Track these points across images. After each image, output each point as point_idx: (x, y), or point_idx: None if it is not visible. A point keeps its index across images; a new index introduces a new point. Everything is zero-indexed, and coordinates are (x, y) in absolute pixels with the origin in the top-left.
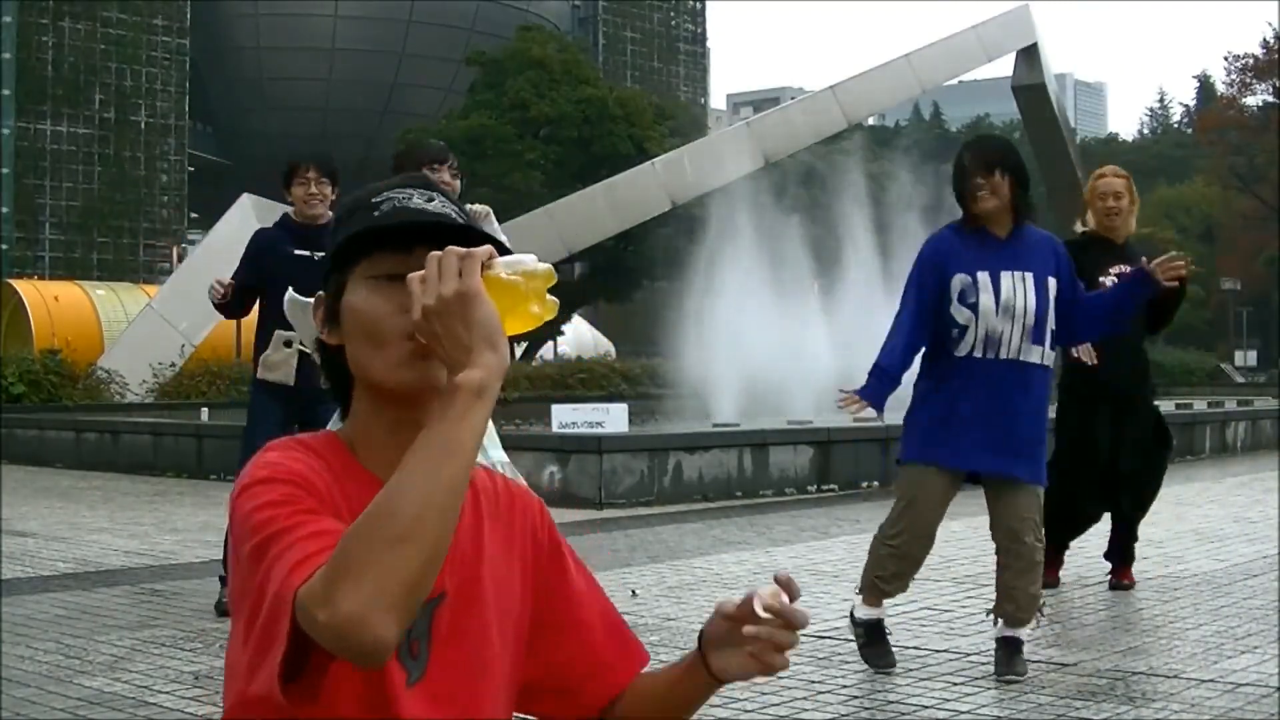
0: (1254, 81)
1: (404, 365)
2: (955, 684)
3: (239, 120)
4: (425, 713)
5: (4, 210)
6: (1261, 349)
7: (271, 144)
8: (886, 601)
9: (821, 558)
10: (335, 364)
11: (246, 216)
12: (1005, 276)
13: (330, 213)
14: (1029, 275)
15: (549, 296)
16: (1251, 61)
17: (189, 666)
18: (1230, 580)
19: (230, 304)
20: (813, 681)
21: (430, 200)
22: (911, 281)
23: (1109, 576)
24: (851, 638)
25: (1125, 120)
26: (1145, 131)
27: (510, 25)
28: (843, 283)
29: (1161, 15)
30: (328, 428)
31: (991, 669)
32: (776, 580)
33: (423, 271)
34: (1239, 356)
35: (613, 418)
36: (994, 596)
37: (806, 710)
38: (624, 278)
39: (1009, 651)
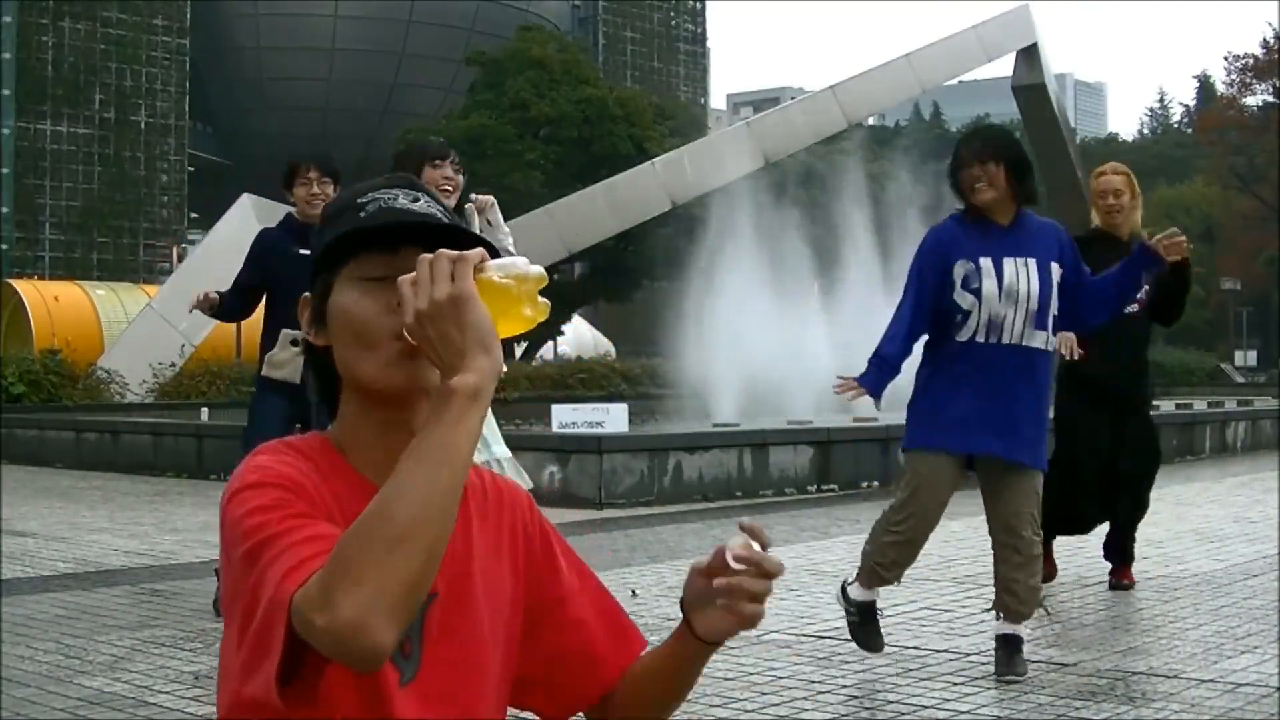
0: (1254, 81)
1: (393, 366)
2: (955, 684)
3: (239, 120)
4: (419, 712)
5: (4, 210)
6: (1261, 349)
7: (271, 144)
8: (884, 592)
9: (821, 558)
10: (322, 365)
11: (246, 216)
12: (1008, 262)
13: None
14: (1032, 260)
15: (540, 299)
16: (1251, 61)
17: (189, 666)
18: (1230, 580)
19: (229, 307)
20: (813, 681)
21: (416, 200)
22: (913, 271)
23: (1109, 577)
24: (851, 637)
25: (1125, 120)
26: (1145, 131)
27: (510, 25)
28: (843, 283)
29: (1161, 15)
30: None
31: (991, 669)
32: (743, 529)
33: (413, 274)
34: (1239, 356)
35: (613, 418)
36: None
37: (806, 710)
38: (624, 278)
39: (1009, 651)
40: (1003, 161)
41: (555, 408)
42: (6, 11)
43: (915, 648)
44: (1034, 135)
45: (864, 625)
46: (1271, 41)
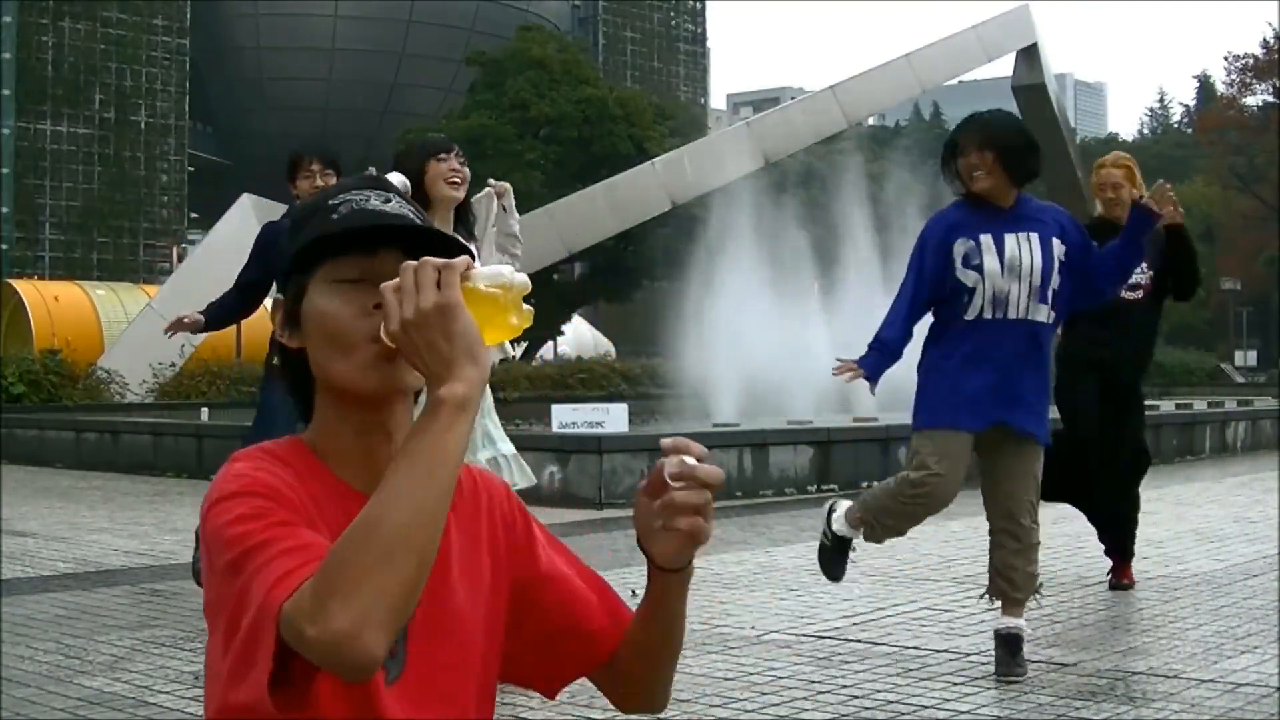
0: (1254, 81)
1: (370, 369)
2: (955, 684)
3: (239, 120)
4: (406, 710)
5: (4, 210)
6: (1261, 349)
7: (271, 144)
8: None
9: None
10: (296, 368)
11: (246, 216)
12: (1009, 238)
13: None
14: (1034, 235)
15: (525, 306)
16: (1251, 61)
17: (189, 666)
18: (1230, 580)
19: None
20: (813, 681)
21: (388, 201)
22: (913, 257)
23: (1109, 576)
24: (851, 636)
25: (1125, 120)
26: (1145, 131)
27: (510, 25)
28: (843, 283)
29: (1161, 15)
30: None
31: (991, 669)
32: (668, 449)
33: (396, 281)
34: (1239, 356)
35: (613, 418)
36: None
37: (806, 710)
38: (624, 278)
39: (1009, 651)
40: (998, 149)
41: (555, 408)
42: (6, 11)
43: (915, 648)
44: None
45: (834, 554)
46: (1271, 41)
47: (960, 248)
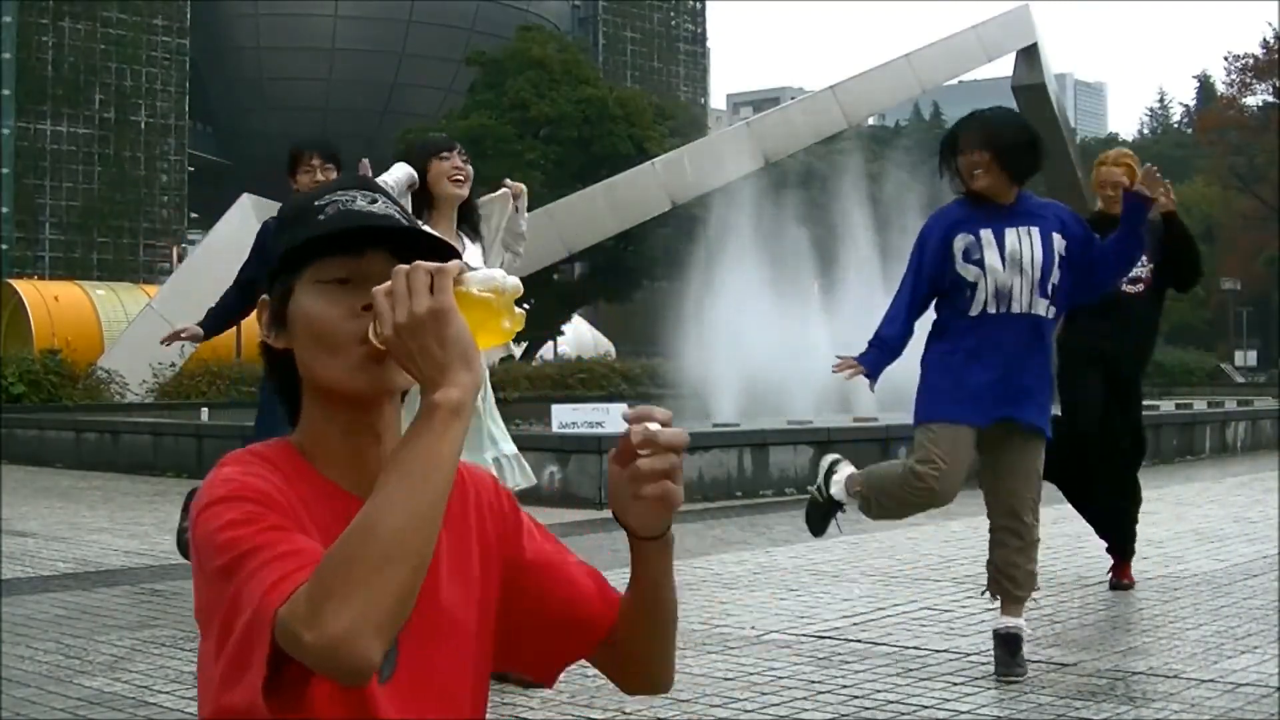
0: (1254, 81)
1: (358, 370)
2: (955, 684)
3: (239, 120)
4: (401, 709)
5: (4, 210)
6: (1261, 349)
7: (271, 144)
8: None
9: (821, 558)
10: (281, 368)
11: (246, 216)
12: (1010, 232)
13: None
14: (1034, 230)
15: (516, 310)
16: (1251, 61)
17: (189, 666)
18: (1230, 580)
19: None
20: (813, 681)
21: (374, 202)
22: (913, 255)
23: (1109, 575)
24: (851, 636)
25: (1125, 120)
26: (1145, 131)
27: (510, 25)
28: (843, 283)
29: (1161, 15)
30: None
31: (991, 669)
32: (629, 419)
33: (387, 284)
34: (1239, 356)
35: (613, 418)
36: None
37: (806, 710)
38: (624, 278)
39: (1008, 650)
40: (997, 148)
41: (555, 408)
42: (6, 11)
43: (915, 648)
44: None
45: (823, 513)
46: (1271, 41)
47: (961, 243)
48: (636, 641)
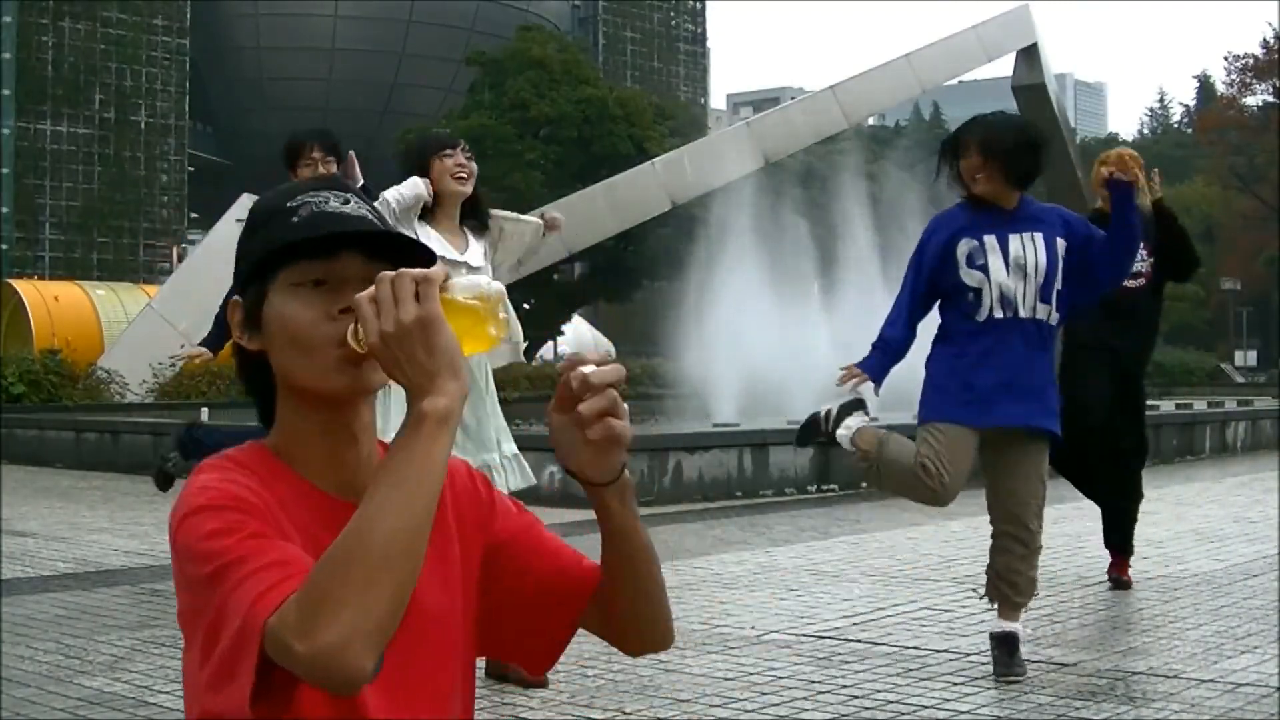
0: (1254, 81)
1: (335, 372)
2: (955, 684)
3: (239, 120)
4: (388, 707)
5: (4, 210)
6: (1261, 349)
7: (271, 144)
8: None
9: (821, 558)
10: (255, 370)
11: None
12: (1014, 237)
13: None
14: (1038, 235)
15: (501, 315)
16: (1251, 61)
17: None
18: (1230, 580)
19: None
20: (813, 681)
21: (346, 202)
22: (914, 256)
23: (1108, 571)
24: (851, 636)
25: (1125, 120)
26: (1145, 131)
27: (510, 25)
28: (843, 283)
29: (1161, 15)
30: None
31: (991, 669)
32: (562, 370)
33: (370, 290)
34: (1239, 356)
35: None
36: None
37: (806, 710)
38: (624, 278)
39: (1006, 651)
40: (998, 155)
41: None
42: (6, 11)
43: (915, 648)
44: None
45: (816, 438)
46: (1271, 41)
47: (964, 248)
48: (624, 597)
